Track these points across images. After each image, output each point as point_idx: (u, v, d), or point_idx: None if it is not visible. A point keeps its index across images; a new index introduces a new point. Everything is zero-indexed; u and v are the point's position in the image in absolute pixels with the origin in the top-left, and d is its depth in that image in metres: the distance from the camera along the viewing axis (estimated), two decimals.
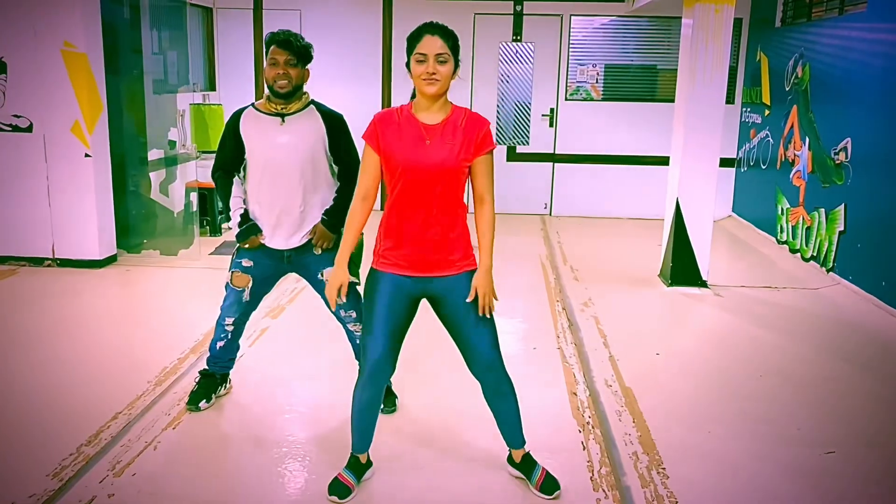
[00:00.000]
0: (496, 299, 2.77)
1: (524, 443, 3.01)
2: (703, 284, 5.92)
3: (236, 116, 3.37)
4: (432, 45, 2.61)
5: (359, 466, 2.99)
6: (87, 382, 3.94)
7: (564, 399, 3.82)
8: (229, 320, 3.55)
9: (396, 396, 3.67)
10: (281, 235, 3.38)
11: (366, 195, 2.79)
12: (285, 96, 3.26)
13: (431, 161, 2.64)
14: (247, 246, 3.39)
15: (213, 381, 3.68)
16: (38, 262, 6.15)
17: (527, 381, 3.54)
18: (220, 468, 3.16)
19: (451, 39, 2.64)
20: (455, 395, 3.78)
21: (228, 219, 3.50)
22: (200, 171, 7.17)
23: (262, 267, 3.45)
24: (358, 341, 3.45)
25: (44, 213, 6.07)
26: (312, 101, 3.39)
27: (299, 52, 3.26)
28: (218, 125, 7.58)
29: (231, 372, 3.79)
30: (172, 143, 7.00)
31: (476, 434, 3.40)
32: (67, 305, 5.30)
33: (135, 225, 6.67)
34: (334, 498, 2.87)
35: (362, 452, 3.00)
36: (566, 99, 8.77)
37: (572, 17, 8.59)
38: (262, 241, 3.39)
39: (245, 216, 3.40)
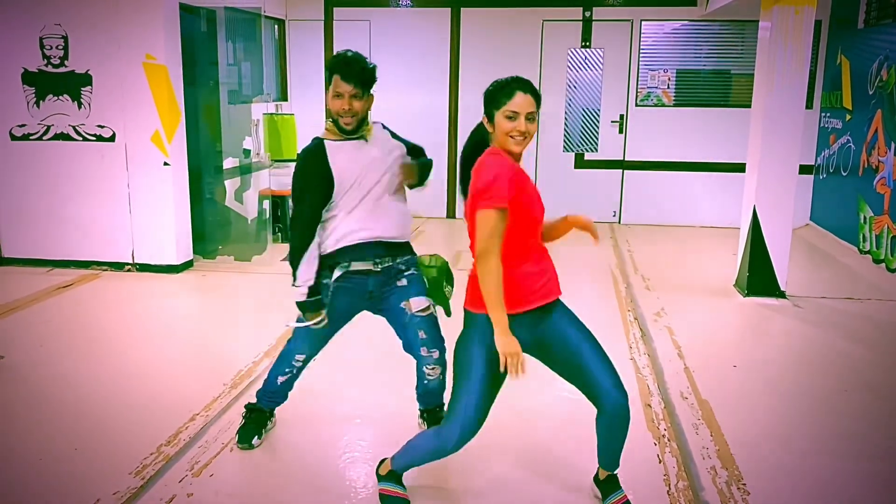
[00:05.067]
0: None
1: (617, 467, 2.89)
2: (782, 295, 5.73)
3: (320, 152, 3.03)
4: (525, 103, 2.54)
5: (398, 476, 2.96)
6: (165, 384, 4.06)
7: (639, 411, 3.73)
8: (300, 357, 3.27)
9: None
10: (383, 227, 3.09)
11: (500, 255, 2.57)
12: (351, 133, 3.03)
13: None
14: (306, 322, 3.12)
15: (263, 416, 3.46)
16: (119, 266, 6.38)
17: None
18: (292, 471, 3.19)
19: (538, 98, 2.58)
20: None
21: (295, 277, 3.09)
22: (274, 180, 7.33)
23: (339, 302, 3.14)
24: (427, 383, 3.28)
25: (124, 220, 6.30)
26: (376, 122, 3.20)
27: (365, 81, 2.98)
28: (290, 135, 7.73)
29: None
30: (247, 152, 7.18)
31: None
32: (147, 309, 5.47)
33: (210, 231, 6.84)
34: None
35: (402, 473, 2.97)
36: (636, 105, 8.63)
37: (643, 23, 8.45)
38: (324, 321, 3.11)
39: (314, 289, 3.08)
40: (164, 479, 3.08)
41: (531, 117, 2.55)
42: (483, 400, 2.64)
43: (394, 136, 3.22)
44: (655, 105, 8.62)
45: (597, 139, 8.74)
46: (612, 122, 8.69)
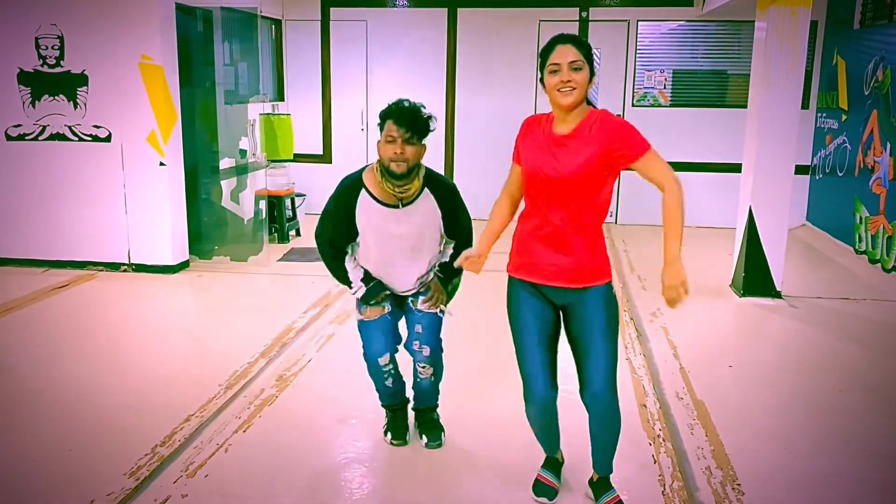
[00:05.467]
0: (685, 294, 2.60)
1: (611, 471, 2.89)
2: (777, 295, 5.73)
3: (352, 199, 3.08)
4: (565, 53, 2.52)
5: (556, 465, 3.01)
6: (160, 384, 4.05)
7: (634, 411, 3.73)
8: (384, 360, 3.24)
9: (443, 430, 3.44)
10: (394, 287, 3.26)
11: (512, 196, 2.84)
12: (400, 177, 2.97)
13: (558, 172, 2.55)
14: (373, 303, 3.20)
15: (402, 415, 3.47)
16: (115, 267, 6.37)
17: None
18: (288, 472, 3.19)
19: (584, 48, 2.55)
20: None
21: (349, 284, 3.23)
22: (270, 180, 7.33)
23: (389, 299, 3.26)
24: (420, 381, 3.31)
25: (120, 220, 6.29)
26: (426, 176, 3.10)
27: (419, 129, 2.95)
28: (287, 135, 7.72)
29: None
30: (243, 153, 7.17)
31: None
32: (142, 309, 5.47)
33: (206, 232, 6.84)
34: (543, 499, 2.93)
35: (554, 454, 3.01)
36: (633, 105, 8.64)
37: (639, 23, 8.46)
38: (388, 294, 3.24)
39: (367, 276, 3.20)
40: (158, 479, 3.07)
41: (576, 66, 2.52)
42: (546, 363, 2.70)
43: (437, 191, 3.12)
44: (652, 105, 8.63)
45: None
46: None
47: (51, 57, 6.11)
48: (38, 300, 5.55)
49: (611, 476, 2.91)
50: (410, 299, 3.27)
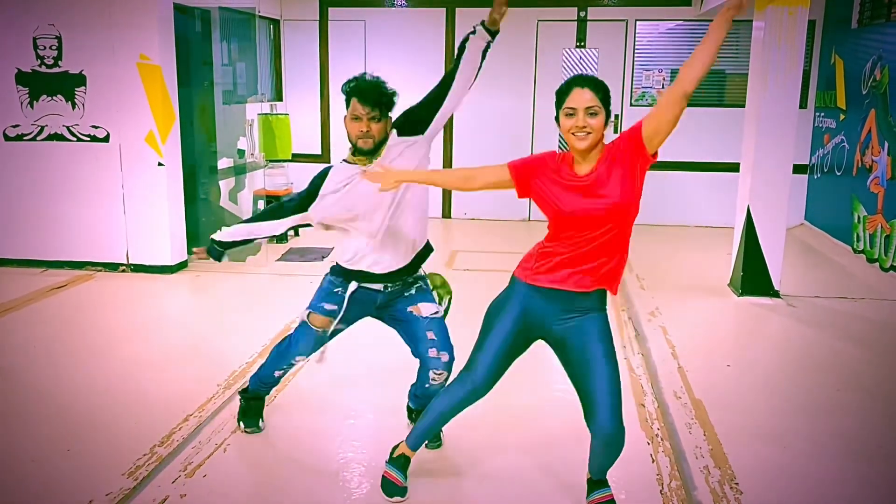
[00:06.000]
0: None
1: (604, 477, 2.87)
2: (776, 294, 5.74)
3: (319, 179, 3.09)
4: (582, 98, 2.52)
5: (406, 463, 3.01)
6: (159, 384, 4.05)
7: (632, 410, 3.73)
8: (300, 358, 3.32)
9: (442, 431, 3.38)
10: (390, 259, 3.11)
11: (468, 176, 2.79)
12: (369, 153, 3.01)
13: (602, 205, 2.54)
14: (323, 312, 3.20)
15: (261, 402, 3.55)
16: (113, 267, 6.36)
17: None
18: (286, 471, 3.19)
19: (601, 91, 2.54)
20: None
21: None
22: (268, 180, 7.33)
23: (348, 313, 3.20)
24: (428, 387, 3.19)
25: (119, 220, 6.29)
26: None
27: (384, 105, 2.97)
28: (285, 135, 7.73)
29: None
30: (241, 153, 7.18)
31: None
32: (141, 309, 5.46)
33: (205, 232, 6.82)
34: (397, 498, 2.93)
35: (415, 451, 3.01)
36: (631, 105, 8.64)
37: (637, 23, 8.47)
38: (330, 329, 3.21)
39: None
40: (157, 479, 3.07)
41: (592, 112, 2.51)
42: (497, 361, 2.71)
43: (399, 124, 3.08)
44: (650, 105, 8.63)
45: None
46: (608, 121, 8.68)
47: (49, 57, 6.10)
48: (36, 300, 5.55)
49: (607, 476, 2.90)
50: (411, 308, 3.16)
